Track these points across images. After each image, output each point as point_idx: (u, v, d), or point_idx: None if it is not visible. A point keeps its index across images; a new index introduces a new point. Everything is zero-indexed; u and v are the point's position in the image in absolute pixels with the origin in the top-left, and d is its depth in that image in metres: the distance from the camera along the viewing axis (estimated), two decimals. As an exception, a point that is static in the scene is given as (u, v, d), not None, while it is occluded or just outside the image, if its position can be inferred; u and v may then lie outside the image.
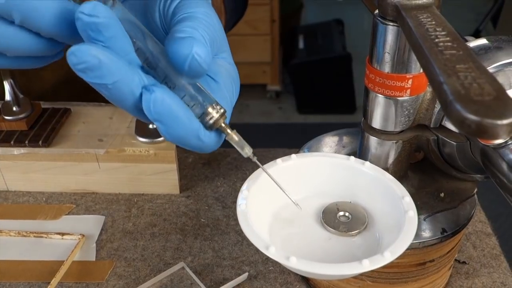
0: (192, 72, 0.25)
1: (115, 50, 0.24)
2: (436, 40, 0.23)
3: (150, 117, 0.25)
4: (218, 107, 0.27)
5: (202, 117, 0.27)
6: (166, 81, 0.26)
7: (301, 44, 2.13)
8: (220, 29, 0.28)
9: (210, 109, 0.27)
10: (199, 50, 0.25)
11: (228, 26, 0.58)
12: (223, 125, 0.28)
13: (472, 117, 0.17)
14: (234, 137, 0.29)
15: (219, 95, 0.28)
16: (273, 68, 2.14)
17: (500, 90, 0.19)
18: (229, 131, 0.28)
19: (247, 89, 2.20)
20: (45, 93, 0.60)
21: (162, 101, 0.25)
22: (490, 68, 0.31)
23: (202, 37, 0.26)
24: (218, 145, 0.29)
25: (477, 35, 0.34)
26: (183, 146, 0.27)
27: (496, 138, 0.18)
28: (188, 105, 0.27)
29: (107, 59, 0.23)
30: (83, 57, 0.23)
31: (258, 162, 0.30)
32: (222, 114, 0.27)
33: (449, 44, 0.23)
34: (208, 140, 0.28)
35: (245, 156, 0.29)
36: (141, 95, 0.25)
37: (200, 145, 0.27)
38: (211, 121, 0.27)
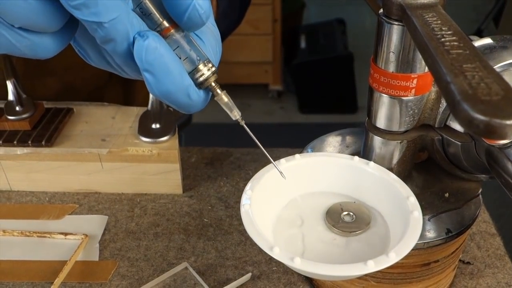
0: (191, 23, 0.24)
1: None
2: (442, 39, 0.23)
3: (140, 66, 0.24)
4: (209, 64, 0.26)
5: (193, 73, 0.26)
6: (158, 31, 0.25)
7: (303, 44, 2.13)
8: None
9: (201, 66, 0.26)
10: (201, 0, 0.23)
11: (220, 28, 0.56)
12: (213, 84, 0.26)
13: (480, 117, 0.17)
14: (224, 98, 0.27)
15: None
16: (275, 67, 2.14)
17: (508, 89, 0.19)
18: (219, 91, 0.27)
19: (248, 89, 2.20)
20: (48, 100, 0.60)
21: (155, 50, 0.23)
22: (496, 68, 0.31)
23: None
24: (204, 105, 0.27)
25: (479, 35, 0.34)
26: (169, 103, 0.26)
27: (505, 138, 0.17)
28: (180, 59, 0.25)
29: None
30: None
31: (246, 127, 0.29)
32: (214, 73, 0.26)
33: (456, 43, 0.22)
34: (197, 99, 0.26)
35: (234, 118, 0.28)
36: (134, 40, 0.23)
37: (187, 103, 0.26)
38: (201, 79, 0.26)
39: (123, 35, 0.23)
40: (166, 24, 0.25)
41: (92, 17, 0.22)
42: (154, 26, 0.25)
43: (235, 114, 0.28)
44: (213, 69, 0.26)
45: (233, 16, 0.62)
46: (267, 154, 0.31)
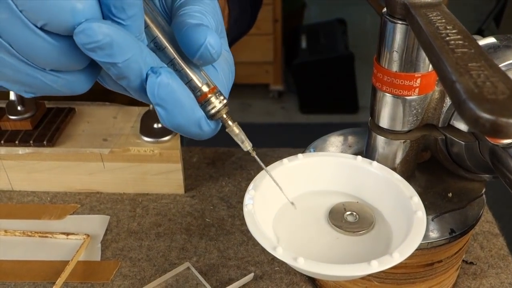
0: (202, 61, 0.25)
1: (130, 29, 0.23)
2: (447, 38, 0.23)
3: (153, 101, 0.24)
4: (221, 97, 0.26)
5: (204, 105, 0.26)
6: (171, 65, 0.25)
7: (303, 44, 2.12)
8: (220, 13, 0.28)
9: (213, 99, 0.26)
10: (212, 41, 0.24)
11: (232, 34, 0.57)
12: (225, 116, 0.27)
13: (486, 116, 0.17)
14: (235, 129, 0.28)
15: (217, 83, 0.27)
16: (275, 67, 2.14)
17: (514, 88, 0.18)
18: (230, 123, 0.27)
19: (249, 89, 2.20)
20: (62, 101, 0.60)
21: (167, 86, 0.24)
22: (500, 67, 0.31)
23: (213, 25, 0.25)
24: (214, 133, 0.28)
25: (480, 35, 0.34)
26: (181, 133, 0.27)
27: (510, 137, 0.17)
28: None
29: (119, 37, 0.22)
30: (93, 36, 0.21)
31: (257, 157, 0.30)
32: (225, 105, 0.27)
33: (460, 42, 0.22)
34: (208, 129, 0.27)
35: (245, 149, 0.29)
36: (147, 76, 0.24)
37: (199, 133, 0.27)
38: (213, 111, 0.26)
39: (137, 72, 0.24)
40: (179, 60, 0.25)
41: (107, 58, 0.22)
42: (167, 60, 0.25)
43: (246, 145, 0.29)
44: (225, 101, 0.27)
45: (245, 22, 0.62)
46: (278, 185, 0.31)
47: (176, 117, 0.25)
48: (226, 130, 0.28)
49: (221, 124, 0.28)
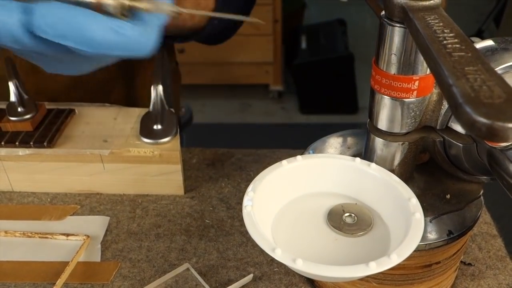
0: None
1: None
2: (444, 42, 0.23)
3: (51, 37, 0.22)
4: None
5: (106, 12, 0.24)
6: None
7: (303, 44, 2.13)
8: None
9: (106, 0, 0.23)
10: None
11: (233, 8, 0.51)
12: (128, 3, 0.24)
13: (482, 120, 0.17)
14: (149, 6, 0.24)
15: None
16: (275, 68, 2.14)
17: (510, 92, 0.19)
18: (139, 5, 0.24)
19: (249, 89, 2.20)
20: (58, 94, 0.60)
21: (50, 14, 0.22)
22: (497, 70, 0.31)
23: None
24: (148, 34, 0.24)
25: (480, 35, 0.34)
26: (115, 54, 0.24)
27: (507, 140, 0.18)
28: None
29: None
30: None
31: (186, 10, 0.26)
32: None
33: (458, 46, 0.22)
34: (131, 31, 0.24)
35: (168, 14, 0.25)
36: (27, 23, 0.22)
37: (124, 40, 0.24)
38: (115, 7, 0.23)
39: (16, 28, 0.22)
40: None
41: None
42: None
43: (169, 9, 0.25)
44: None
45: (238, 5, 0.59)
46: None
47: (85, 36, 0.23)
48: (142, 12, 0.25)
49: (145, 17, 0.24)
